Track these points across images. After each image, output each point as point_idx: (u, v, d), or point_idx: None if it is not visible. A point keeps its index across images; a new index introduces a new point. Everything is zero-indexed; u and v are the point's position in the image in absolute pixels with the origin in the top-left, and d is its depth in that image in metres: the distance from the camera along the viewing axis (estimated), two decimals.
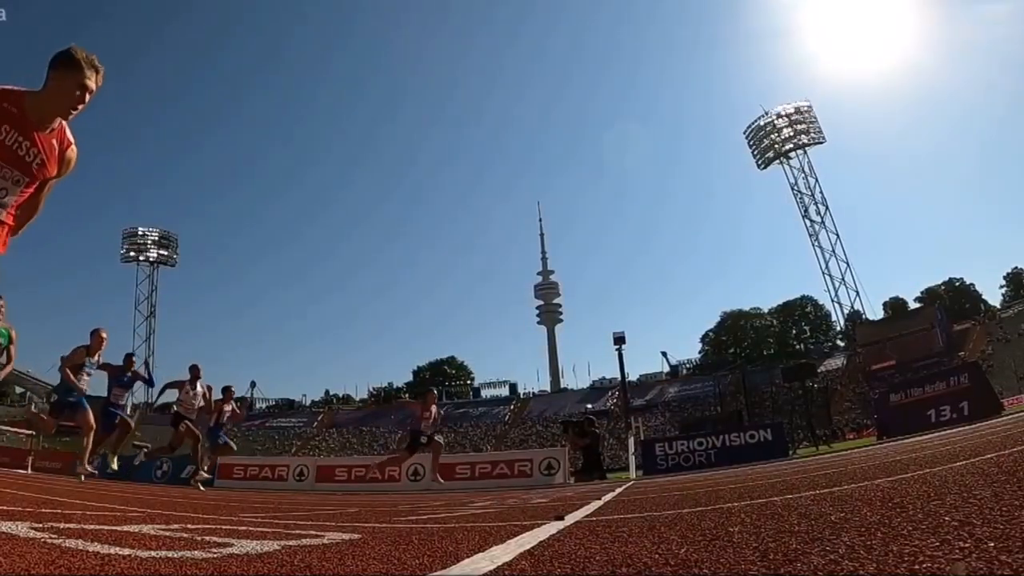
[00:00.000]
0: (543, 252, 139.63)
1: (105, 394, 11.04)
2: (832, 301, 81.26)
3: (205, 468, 13.88)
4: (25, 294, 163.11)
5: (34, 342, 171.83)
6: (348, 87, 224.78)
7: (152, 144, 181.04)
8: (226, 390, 14.15)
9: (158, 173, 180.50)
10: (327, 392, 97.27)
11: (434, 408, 12.89)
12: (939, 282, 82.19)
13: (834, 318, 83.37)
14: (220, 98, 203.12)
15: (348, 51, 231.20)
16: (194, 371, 12.42)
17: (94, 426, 9.39)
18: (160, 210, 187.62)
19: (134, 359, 11.29)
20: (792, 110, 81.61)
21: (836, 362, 70.16)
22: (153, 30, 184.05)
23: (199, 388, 12.66)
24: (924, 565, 1.21)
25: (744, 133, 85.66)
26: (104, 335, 10.42)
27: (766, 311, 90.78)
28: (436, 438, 12.83)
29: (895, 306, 78.96)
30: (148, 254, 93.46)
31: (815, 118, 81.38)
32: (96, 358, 10.38)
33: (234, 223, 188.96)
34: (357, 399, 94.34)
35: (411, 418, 13.92)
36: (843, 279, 78.74)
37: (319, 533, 2.44)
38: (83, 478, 11.19)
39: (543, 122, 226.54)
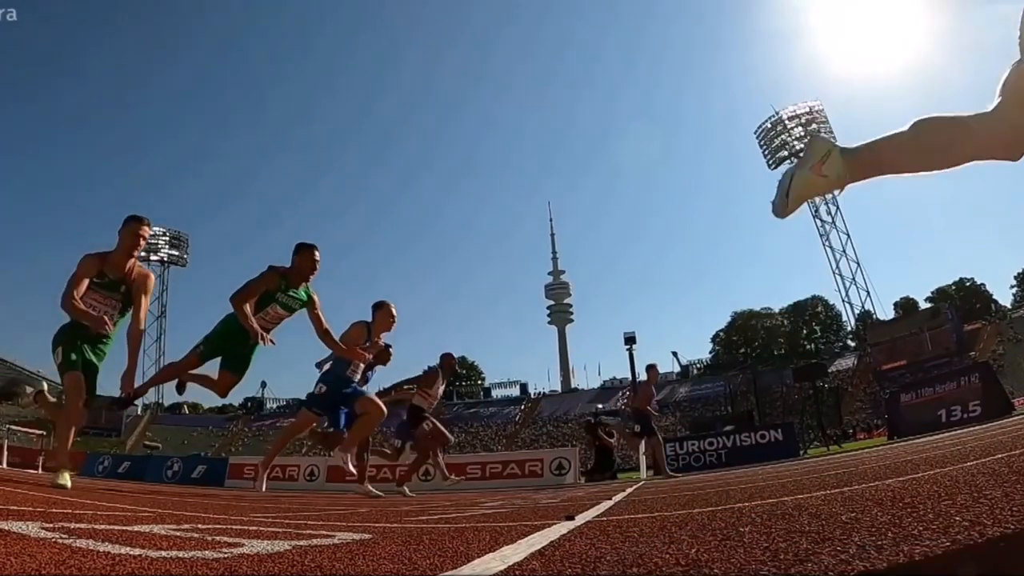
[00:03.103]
0: (554, 252, 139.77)
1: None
2: (843, 301, 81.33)
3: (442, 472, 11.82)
4: (32, 293, 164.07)
5: (43, 339, 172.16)
6: (364, 88, 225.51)
7: (164, 145, 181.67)
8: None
9: (170, 173, 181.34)
10: None
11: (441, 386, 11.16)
12: (950, 282, 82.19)
13: (845, 318, 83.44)
14: (235, 99, 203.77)
15: (364, 53, 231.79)
16: (449, 361, 11.01)
17: (383, 410, 8.18)
18: (171, 210, 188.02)
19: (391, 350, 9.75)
20: (805, 109, 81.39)
21: (847, 362, 70.07)
22: (167, 32, 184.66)
23: (440, 384, 11.05)
24: (935, 566, 1.21)
25: (755, 133, 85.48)
26: (394, 313, 8.87)
27: (777, 311, 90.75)
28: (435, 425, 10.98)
29: (906, 306, 78.84)
30: (159, 254, 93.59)
31: (826, 118, 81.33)
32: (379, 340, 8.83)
33: (246, 224, 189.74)
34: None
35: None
36: (854, 279, 78.76)
37: (330, 533, 2.44)
38: (408, 492, 10.11)
39: (555, 123, 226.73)
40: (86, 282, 5.84)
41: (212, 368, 7.39)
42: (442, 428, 11.20)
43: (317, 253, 7.35)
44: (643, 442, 14.81)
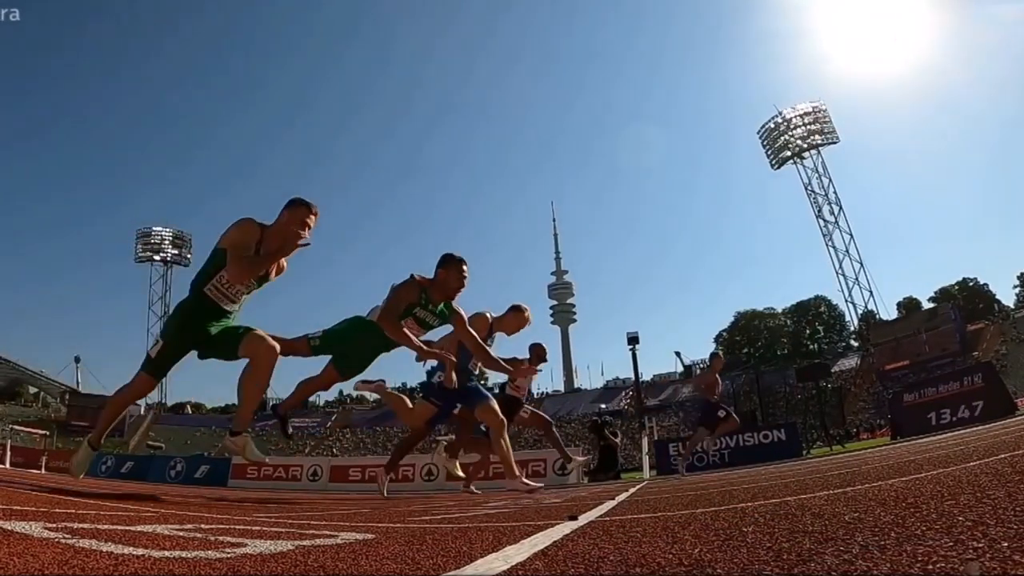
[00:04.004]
0: (557, 252, 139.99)
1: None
2: (846, 301, 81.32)
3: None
4: (36, 291, 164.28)
5: (46, 339, 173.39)
6: (362, 82, 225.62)
7: (164, 142, 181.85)
8: None
9: (171, 171, 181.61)
10: (341, 392, 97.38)
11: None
12: (953, 282, 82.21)
13: (848, 318, 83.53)
14: (232, 95, 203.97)
15: (362, 45, 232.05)
16: (539, 351, 10.28)
17: (504, 423, 7.70)
18: (173, 208, 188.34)
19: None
20: (809, 109, 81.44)
21: (850, 362, 70.08)
22: (166, 28, 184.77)
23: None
24: (938, 565, 1.21)
25: (758, 133, 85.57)
26: (529, 319, 8.36)
27: (780, 311, 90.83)
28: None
29: (909, 306, 78.84)
30: (162, 254, 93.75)
31: (829, 118, 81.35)
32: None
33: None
34: (371, 399, 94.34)
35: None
36: (857, 279, 78.73)
37: (333, 533, 2.45)
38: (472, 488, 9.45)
39: (557, 122, 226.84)
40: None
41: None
42: (540, 412, 10.81)
43: (466, 268, 6.72)
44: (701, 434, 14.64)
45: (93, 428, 5.81)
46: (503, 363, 7.39)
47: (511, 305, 8.31)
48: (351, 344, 6.71)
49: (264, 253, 5.21)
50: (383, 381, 7.79)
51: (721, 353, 14.36)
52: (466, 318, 6.84)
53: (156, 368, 5.29)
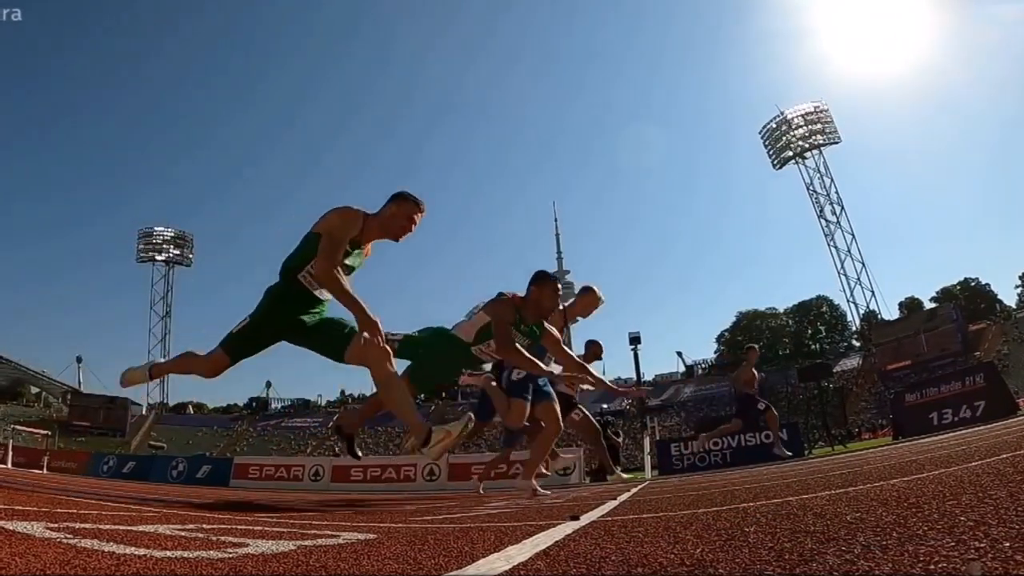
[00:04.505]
0: (558, 252, 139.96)
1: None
2: (848, 301, 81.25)
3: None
4: (37, 291, 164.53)
5: (48, 339, 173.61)
6: (362, 82, 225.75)
7: (164, 141, 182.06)
8: None
9: (173, 171, 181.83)
10: (343, 392, 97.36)
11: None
12: (954, 282, 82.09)
13: (850, 318, 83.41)
14: (232, 95, 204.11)
15: (363, 45, 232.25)
16: (595, 349, 10.05)
17: (561, 426, 7.47)
18: (173, 208, 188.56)
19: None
20: (810, 109, 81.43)
21: (851, 362, 70.01)
22: (166, 28, 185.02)
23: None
24: (940, 565, 1.21)
25: (759, 133, 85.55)
26: (601, 299, 7.98)
27: (782, 311, 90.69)
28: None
29: (911, 306, 78.73)
30: (164, 254, 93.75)
31: (831, 118, 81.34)
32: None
33: (247, 221, 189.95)
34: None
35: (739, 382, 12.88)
36: (859, 279, 78.70)
37: (335, 533, 2.45)
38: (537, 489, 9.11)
39: (557, 122, 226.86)
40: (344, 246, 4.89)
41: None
42: (592, 419, 10.39)
43: (560, 286, 6.41)
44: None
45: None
46: (603, 381, 7.16)
47: (581, 288, 8.07)
48: (435, 356, 6.17)
49: (361, 243, 5.01)
50: (490, 376, 7.54)
51: (756, 347, 14.38)
52: (559, 337, 6.57)
53: (235, 348, 4.95)
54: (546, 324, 6.37)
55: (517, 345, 5.96)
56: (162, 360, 5.48)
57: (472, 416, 4.79)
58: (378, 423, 77.31)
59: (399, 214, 4.99)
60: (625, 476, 12.11)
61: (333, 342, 4.89)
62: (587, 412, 9.95)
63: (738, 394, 14.08)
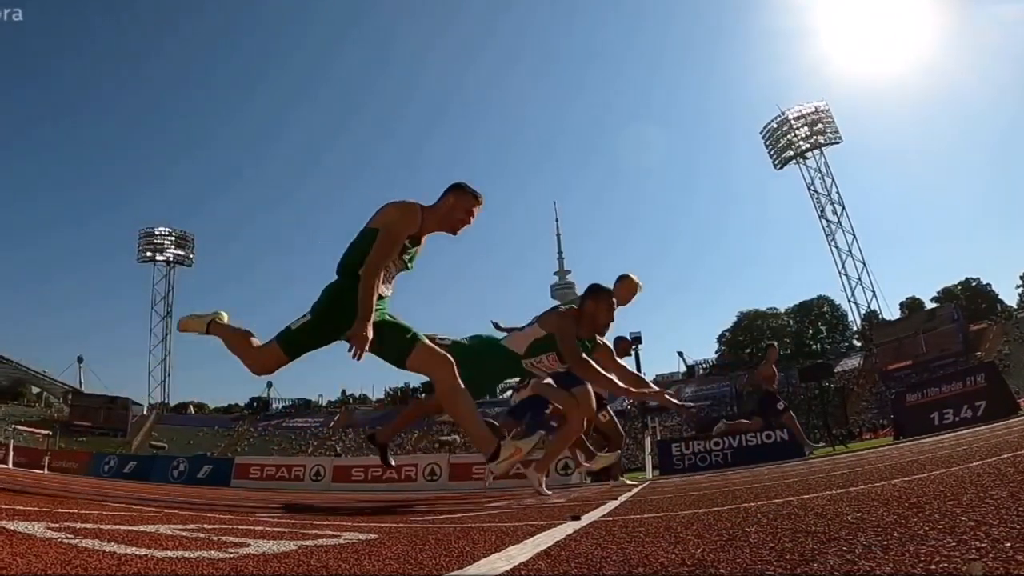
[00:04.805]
0: (560, 252, 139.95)
1: None
2: (849, 301, 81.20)
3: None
4: (38, 291, 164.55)
5: (49, 339, 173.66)
6: (362, 82, 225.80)
7: (165, 141, 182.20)
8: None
9: (172, 169, 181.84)
10: (344, 392, 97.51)
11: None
12: (955, 282, 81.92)
13: (851, 318, 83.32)
14: (232, 94, 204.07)
15: (363, 45, 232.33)
16: (624, 345, 9.89)
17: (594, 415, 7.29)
18: (175, 207, 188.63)
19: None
20: (812, 109, 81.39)
21: (852, 362, 69.95)
22: (166, 28, 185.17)
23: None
24: (941, 565, 1.21)
25: (760, 133, 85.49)
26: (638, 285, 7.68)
27: (783, 311, 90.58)
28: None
29: (912, 306, 78.65)
30: (165, 254, 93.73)
31: (832, 118, 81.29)
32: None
33: (248, 222, 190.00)
34: (374, 399, 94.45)
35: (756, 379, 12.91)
36: (859, 279, 78.66)
37: (336, 533, 2.45)
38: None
39: (557, 122, 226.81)
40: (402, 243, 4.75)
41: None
42: (618, 424, 10.38)
43: (615, 300, 6.34)
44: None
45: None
46: (661, 393, 6.87)
47: (617, 277, 7.68)
48: (482, 365, 5.96)
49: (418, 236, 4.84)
50: (538, 377, 7.44)
51: (776, 344, 14.46)
52: (613, 351, 6.46)
53: (293, 344, 4.71)
54: (599, 338, 6.25)
55: (588, 358, 5.83)
56: (225, 319, 5.15)
57: (544, 433, 4.69)
58: (379, 423, 77.33)
59: (458, 207, 4.88)
60: (630, 483, 11.93)
61: (395, 347, 4.76)
62: (614, 415, 10.02)
63: (759, 391, 14.12)
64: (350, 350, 4.38)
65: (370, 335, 4.38)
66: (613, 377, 6.16)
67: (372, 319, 4.43)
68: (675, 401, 6.97)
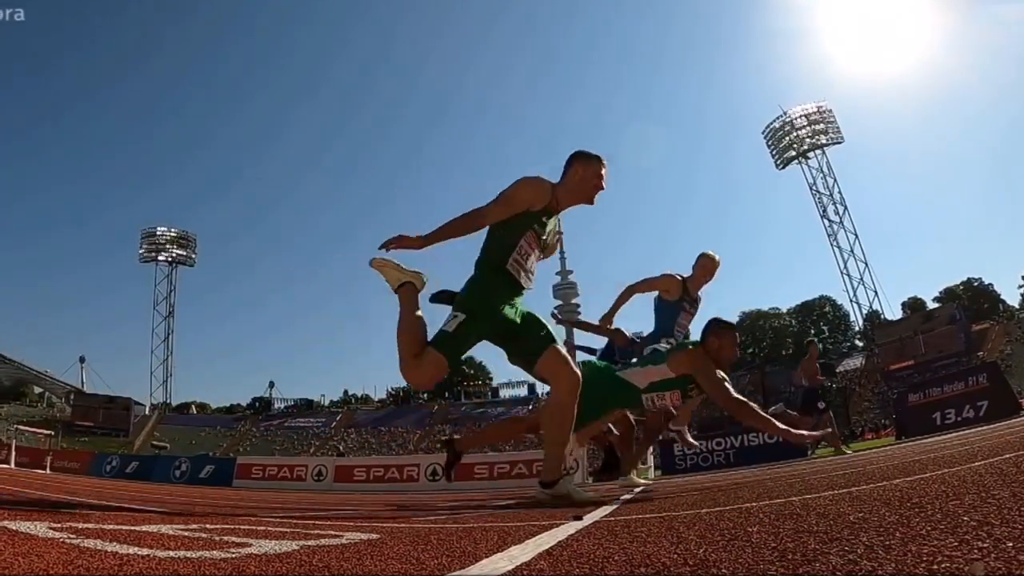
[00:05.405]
0: (562, 252, 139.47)
1: None
2: (851, 301, 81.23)
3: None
4: (40, 291, 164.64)
5: (51, 339, 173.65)
6: (362, 82, 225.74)
7: (166, 141, 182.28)
8: None
9: (174, 169, 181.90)
10: (346, 392, 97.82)
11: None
12: (958, 282, 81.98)
13: (853, 318, 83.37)
14: (232, 94, 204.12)
15: (363, 44, 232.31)
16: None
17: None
18: (175, 207, 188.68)
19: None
20: (814, 109, 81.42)
21: (855, 362, 69.92)
22: (167, 28, 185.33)
23: None
24: (943, 565, 1.21)
25: (762, 133, 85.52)
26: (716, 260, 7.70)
27: (785, 311, 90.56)
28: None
29: (914, 306, 78.62)
30: (166, 254, 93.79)
31: (834, 118, 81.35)
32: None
33: (249, 221, 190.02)
34: (376, 399, 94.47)
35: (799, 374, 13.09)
36: (862, 279, 78.68)
37: (338, 533, 2.45)
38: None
39: (558, 122, 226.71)
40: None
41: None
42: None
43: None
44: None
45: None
46: (772, 422, 6.04)
47: (697, 256, 7.70)
48: (596, 396, 5.47)
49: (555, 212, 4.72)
50: (654, 409, 7.32)
51: (816, 340, 14.65)
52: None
53: (455, 349, 4.43)
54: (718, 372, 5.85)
55: (742, 397, 5.61)
56: (422, 285, 4.84)
57: (596, 505, 4.44)
58: (381, 424, 77.37)
59: (588, 174, 4.77)
60: (642, 481, 11.56)
61: (529, 343, 4.50)
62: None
63: (802, 388, 14.14)
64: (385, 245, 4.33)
65: (415, 240, 4.30)
66: (768, 416, 5.93)
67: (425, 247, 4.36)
68: (794, 434, 6.19)
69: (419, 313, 4.68)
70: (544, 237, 4.66)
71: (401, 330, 4.55)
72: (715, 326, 5.77)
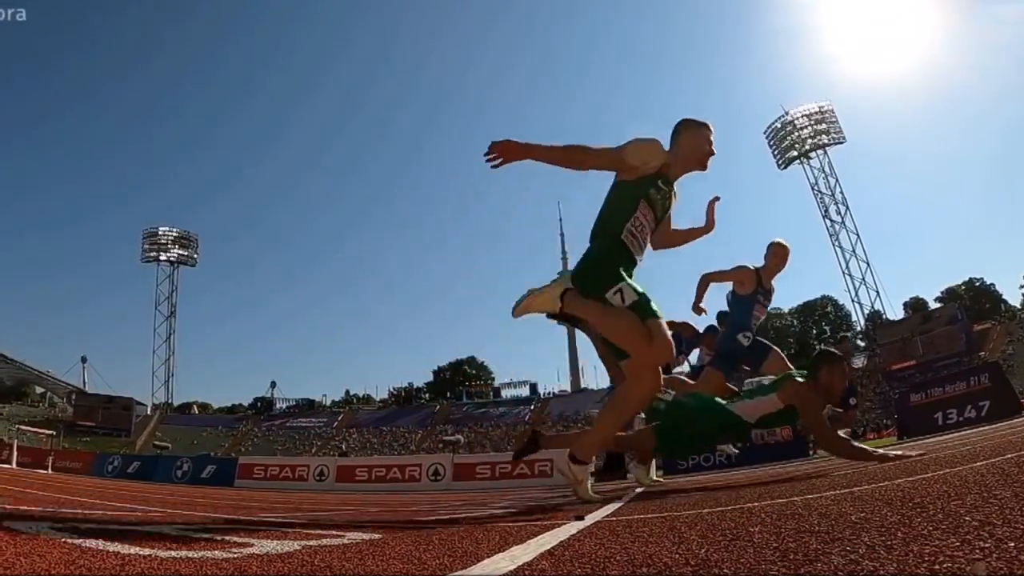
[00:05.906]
0: (563, 253, 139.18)
1: None
2: (852, 301, 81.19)
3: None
4: (41, 291, 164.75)
5: (52, 339, 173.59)
6: (362, 82, 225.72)
7: (167, 140, 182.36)
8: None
9: (175, 169, 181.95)
10: (347, 392, 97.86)
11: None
12: (959, 282, 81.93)
13: (854, 318, 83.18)
14: (231, 94, 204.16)
15: (363, 44, 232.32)
16: (709, 339, 9.62)
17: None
18: (176, 207, 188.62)
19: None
20: (815, 109, 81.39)
21: (856, 362, 69.74)
22: (167, 28, 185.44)
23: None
24: (944, 565, 1.21)
25: (764, 133, 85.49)
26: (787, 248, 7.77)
27: (786, 311, 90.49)
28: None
29: (915, 306, 78.57)
30: (168, 254, 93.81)
31: (836, 118, 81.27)
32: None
33: (251, 224, 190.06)
34: (377, 399, 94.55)
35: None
36: (863, 279, 78.60)
37: (340, 533, 2.45)
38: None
39: (559, 122, 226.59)
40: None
41: None
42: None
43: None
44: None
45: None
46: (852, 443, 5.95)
47: (768, 246, 7.87)
48: (700, 428, 5.53)
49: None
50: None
51: (849, 335, 14.64)
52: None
53: (652, 307, 4.18)
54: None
55: (843, 436, 5.54)
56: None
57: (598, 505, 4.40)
58: (383, 424, 77.36)
59: (697, 141, 4.71)
60: (657, 479, 11.29)
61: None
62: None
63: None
64: (491, 155, 4.18)
65: (517, 150, 4.18)
66: (864, 447, 5.71)
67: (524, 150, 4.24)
68: (875, 455, 6.11)
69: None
70: (658, 197, 4.53)
71: (618, 328, 4.19)
72: (827, 359, 5.55)
